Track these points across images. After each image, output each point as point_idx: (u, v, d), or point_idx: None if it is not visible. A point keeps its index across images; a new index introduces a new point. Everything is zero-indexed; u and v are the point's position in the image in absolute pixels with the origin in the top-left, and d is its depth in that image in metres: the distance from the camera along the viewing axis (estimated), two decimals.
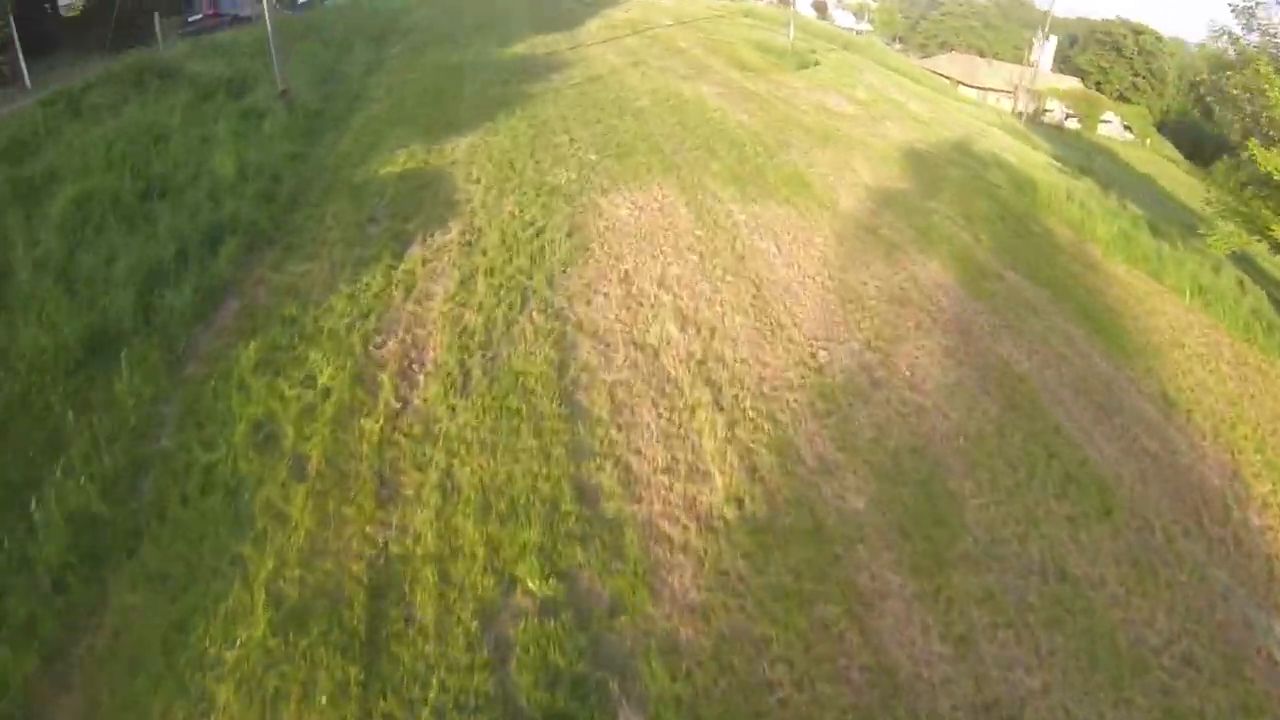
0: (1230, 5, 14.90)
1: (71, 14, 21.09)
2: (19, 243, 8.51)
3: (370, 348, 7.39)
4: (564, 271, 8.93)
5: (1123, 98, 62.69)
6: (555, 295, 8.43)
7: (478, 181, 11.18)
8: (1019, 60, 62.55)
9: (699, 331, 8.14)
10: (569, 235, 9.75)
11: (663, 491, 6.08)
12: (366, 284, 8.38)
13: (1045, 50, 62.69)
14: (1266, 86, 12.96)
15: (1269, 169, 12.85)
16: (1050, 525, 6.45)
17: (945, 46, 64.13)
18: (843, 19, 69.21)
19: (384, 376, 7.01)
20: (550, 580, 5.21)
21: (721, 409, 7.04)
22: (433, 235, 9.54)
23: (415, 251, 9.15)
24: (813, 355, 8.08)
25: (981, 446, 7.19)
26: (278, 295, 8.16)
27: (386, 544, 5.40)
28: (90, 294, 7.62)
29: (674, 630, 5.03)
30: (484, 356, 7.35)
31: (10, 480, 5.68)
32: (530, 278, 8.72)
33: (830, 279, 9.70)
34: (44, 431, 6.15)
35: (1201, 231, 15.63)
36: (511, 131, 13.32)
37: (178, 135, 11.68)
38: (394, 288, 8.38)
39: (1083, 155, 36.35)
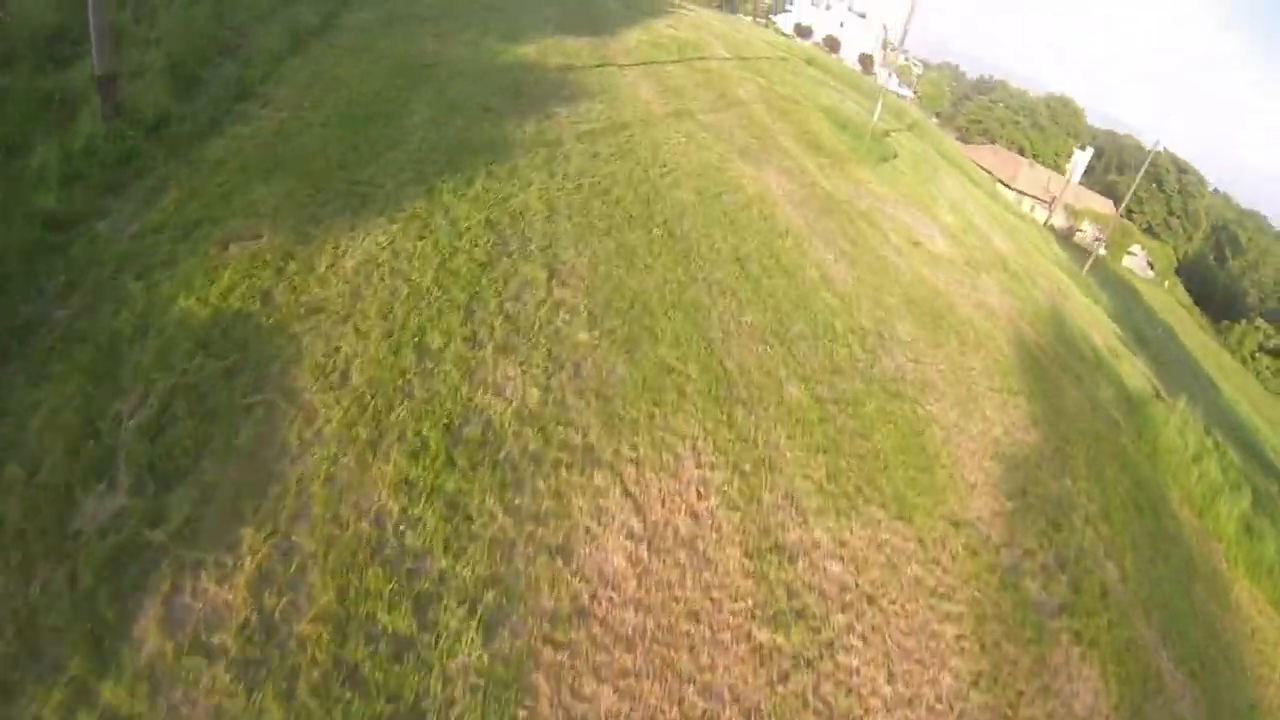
0: None
1: None
2: None
3: None
4: None
5: (1151, 231, 59.86)
6: None
7: (331, 390, 5.30)
8: (1058, 168, 59.08)
9: None
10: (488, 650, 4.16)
11: None
12: None
13: (1080, 162, 59.68)
14: None
15: None
16: None
17: (986, 134, 60.15)
18: (884, 78, 64.91)
19: None
20: None
21: None
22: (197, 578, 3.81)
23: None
24: None
25: None
26: None
27: None
28: None
29: None
30: None
31: None
32: None
33: None
34: None
35: None
36: (451, 233, 7.42)
37: None
38: None
39: (1123, 304, 33.47)
